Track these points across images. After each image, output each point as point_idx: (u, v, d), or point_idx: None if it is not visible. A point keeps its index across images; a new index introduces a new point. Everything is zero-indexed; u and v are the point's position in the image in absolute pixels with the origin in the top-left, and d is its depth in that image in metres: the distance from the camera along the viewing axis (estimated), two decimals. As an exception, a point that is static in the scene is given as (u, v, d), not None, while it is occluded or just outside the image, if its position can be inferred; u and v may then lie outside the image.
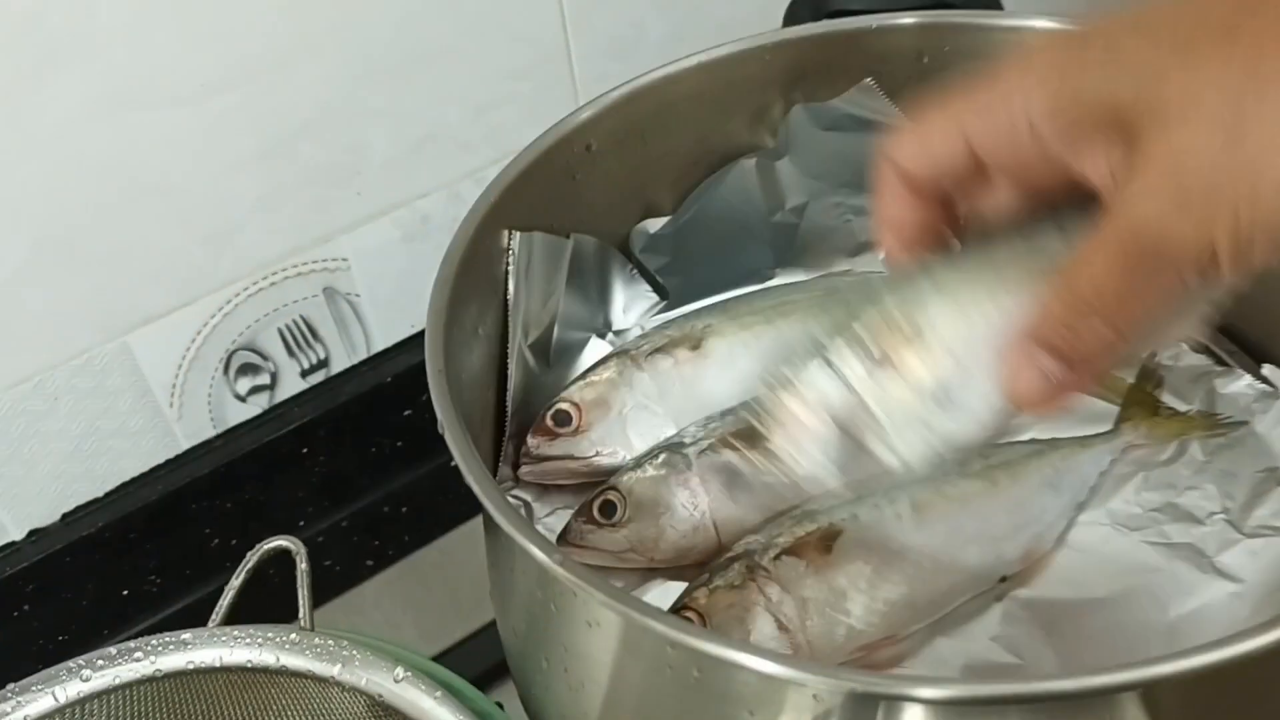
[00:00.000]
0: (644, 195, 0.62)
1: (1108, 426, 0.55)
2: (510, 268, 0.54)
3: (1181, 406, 0.57)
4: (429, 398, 0.74)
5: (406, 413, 0.73)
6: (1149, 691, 0.36)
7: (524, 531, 0.40)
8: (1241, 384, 0.57)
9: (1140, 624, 0.48)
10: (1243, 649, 0.35)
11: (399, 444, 0.74)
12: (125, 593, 0.68)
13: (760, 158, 0.62)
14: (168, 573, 0.69)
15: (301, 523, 0.73)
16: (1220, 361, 0.59)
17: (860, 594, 0.48)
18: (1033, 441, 0.54)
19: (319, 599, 0.49)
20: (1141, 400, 0.55)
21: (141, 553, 0.67)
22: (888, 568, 0.49)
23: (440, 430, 0.44)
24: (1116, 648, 0.47)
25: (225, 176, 0.63)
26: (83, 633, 0.67)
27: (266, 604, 0.50)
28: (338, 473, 0.73)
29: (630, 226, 0.62)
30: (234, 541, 0.70)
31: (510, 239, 0.54)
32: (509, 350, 0.55)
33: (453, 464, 0.76)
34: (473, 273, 0.51)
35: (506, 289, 0.54)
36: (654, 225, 0.62)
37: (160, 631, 0.49)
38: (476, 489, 0.42)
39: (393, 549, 0.74)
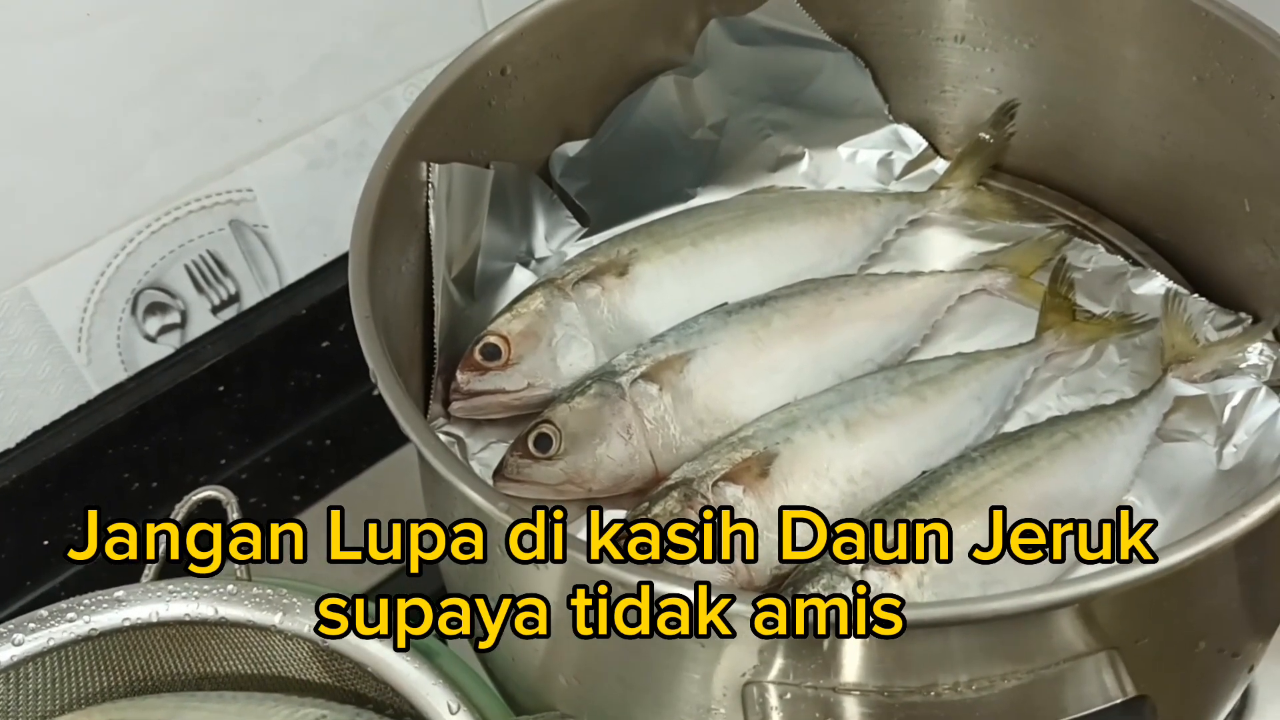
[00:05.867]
0: (563, 118, 0.61)
1: (1029, 336, 0.56)
2: (431, 201, 0.53)
3: (1097, 309, 0.58)
4: (346, 328, 0.72)
5: (324, 344, 0.72)
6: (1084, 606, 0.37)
7: (468, 481, 0.40)
8: (1155, 284, 0.58)
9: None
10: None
11: (318, 376, 0.73)
12: (46, 543, 0.66)
13: (678, 74, 0.61)
14: (89, 521, 0.67)
15: (223, 461, 0.71)
16: (1134, 262, 0.60)
17: (798, 515, 0.49)
18: (958, 355, 0.55)
19: (247, 539, 0.48)
20: (1059, 307, 0.57)
21: (60, 502, 0.66)
22: (825, 486, 0.50)
23: (372, 378, 0.43)
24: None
25: (119, 109, 0.60)
26: (4, 586, 0.66)
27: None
28: (257, 409, 0.71)
29: (551, 151, 0.61)
30: (154, 485, 0.68)
31: (430, 172, 0.53)
32: (434, 286, 0.54)
33: (375, 393, 0.74)
34: (392, 208, 0.50)
35: (428, 223, 0.53)
36: (573, 148, 0.61)
37: (86, 581, 0.48)
38: (415, 439, 0.41)
39: (319, 484, 0.73)
